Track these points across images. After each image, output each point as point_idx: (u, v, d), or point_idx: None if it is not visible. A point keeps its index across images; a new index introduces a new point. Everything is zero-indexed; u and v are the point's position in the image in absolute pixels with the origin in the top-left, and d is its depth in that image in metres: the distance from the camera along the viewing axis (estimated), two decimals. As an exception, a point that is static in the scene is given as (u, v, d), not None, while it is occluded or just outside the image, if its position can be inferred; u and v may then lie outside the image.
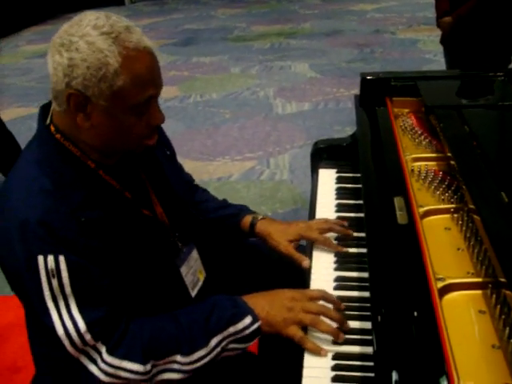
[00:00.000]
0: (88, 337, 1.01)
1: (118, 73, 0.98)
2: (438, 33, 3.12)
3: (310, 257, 1.32)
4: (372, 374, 0.97)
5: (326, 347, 1.05)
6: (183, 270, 1.25)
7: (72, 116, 1.03)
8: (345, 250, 1.32)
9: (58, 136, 1.07)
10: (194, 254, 1.31)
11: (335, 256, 1.31)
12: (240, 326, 1.09)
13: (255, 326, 1.09)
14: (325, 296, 1.14)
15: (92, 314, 1.02)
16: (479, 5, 2.77)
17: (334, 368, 1.01)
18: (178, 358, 1.06)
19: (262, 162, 3.64)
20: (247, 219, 1.42)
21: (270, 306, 1.11)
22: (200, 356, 1.07)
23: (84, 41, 0.97)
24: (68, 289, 1.00)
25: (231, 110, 4.60)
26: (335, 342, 1.06)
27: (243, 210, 1.46)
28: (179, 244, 1.26)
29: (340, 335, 1.05)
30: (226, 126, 4.26)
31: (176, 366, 1.07)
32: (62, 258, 0.99)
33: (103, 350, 1.03)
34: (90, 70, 0.97)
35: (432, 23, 3.46)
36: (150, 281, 1.14)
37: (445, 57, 3.20)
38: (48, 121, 1.10)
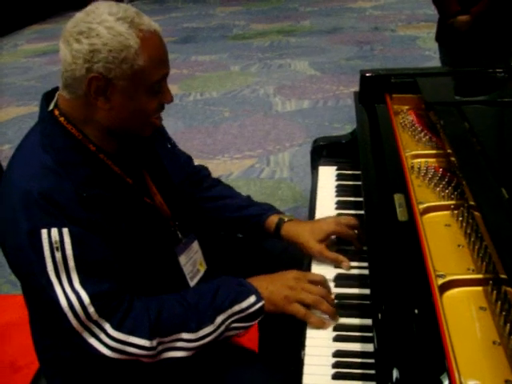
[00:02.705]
0: (91, 309, 1.03)
1: (138, 53, 1.04)
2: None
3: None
4: (373, 372, 0.97)
5: (327, 345, 1.05)
6: (182, 259, 1.26)
7: (87, 101, 1.06)
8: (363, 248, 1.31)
9: (61, 119, 1.10)
10: (195, 245, 1.32)
11: (336, 253, 1.30)
12: (244, 304, 1.12)
13: (259, 304, 1.13)
14: (324, 283, 1.18)
15: (95, 288, 1.04)
16: (495, 1, 2.75)
17: (335, 365, 1.01)
18: (184, 335, 1.09)
19: (262, 160, 3.63)
20: (273, 220, 1.37)
21: (272, 285, 1.15)
22: (206, 333, 1.10)
23: (103, 26, 1.02)
24: (71, 262, 1.02)
25: (231, 108, 4.60)
26: (336, 339, 1.06)
27: (269, 209, 1.42)
28: (179, 233, 1.27)
29: (336, 317, 1.11)
30: (225, 124, 4.26)
31: (181, 344, 1.09)
32: (65, 231, 1.01)
33: (107, 326, 1.04)
34: (112, 52, 1.02)
35: (432, 20, 3.46)
36: (147, 266, 1.15)
37: (439, 53, 3.19)
38: (52, 106, 1.12)
